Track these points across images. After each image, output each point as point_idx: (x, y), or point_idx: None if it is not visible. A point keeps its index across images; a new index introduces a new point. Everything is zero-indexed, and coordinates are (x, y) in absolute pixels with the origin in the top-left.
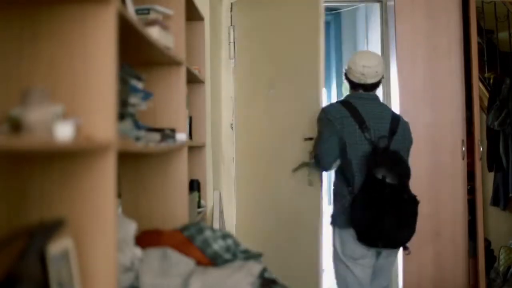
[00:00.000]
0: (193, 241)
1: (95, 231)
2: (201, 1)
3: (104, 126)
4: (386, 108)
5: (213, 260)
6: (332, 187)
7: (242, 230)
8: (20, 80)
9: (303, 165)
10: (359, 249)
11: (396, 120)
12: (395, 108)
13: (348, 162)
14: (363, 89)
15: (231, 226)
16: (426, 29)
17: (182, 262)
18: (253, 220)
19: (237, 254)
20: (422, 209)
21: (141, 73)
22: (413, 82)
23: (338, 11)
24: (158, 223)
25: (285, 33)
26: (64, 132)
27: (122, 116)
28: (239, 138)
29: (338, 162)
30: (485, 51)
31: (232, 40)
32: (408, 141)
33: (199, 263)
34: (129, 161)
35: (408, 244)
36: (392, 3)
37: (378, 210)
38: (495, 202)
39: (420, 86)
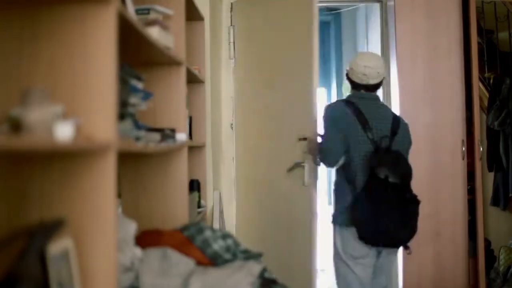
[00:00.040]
0: (193, 241)
1: (95, 231)
2: (201, 1)
3: (104, 126)
4: (387, 109)
5: (213, 260)
6: (332, 186)
7: (242, 230)
8: (20, 80)
9: (297, 165)
10: (360, 248)
11: (397, 121)
12: (395, 108)
13: (351, 161)
14: (364, 90)
15: (231, 226)
16: (426, 29)
17: (182, 262)
18: (252, 220)
19: (237, 254)
20: (422, 209)
21: (141, 73)
22: (413, 82)
23: (338, 11)
24: (158, 223)
25: (282, 33)
26: (64, 132)
27: (122, 116)
28: (239, 138)
29: (342, 160)
30: (485, 51)
31: (232, 40)
32: (408, 142)
33: (199, 263)
34: (129, 161)
35: (408, 244)
36: (392, 3)
37: (381, 209)
38: (495, 202)
39: (420, 86)
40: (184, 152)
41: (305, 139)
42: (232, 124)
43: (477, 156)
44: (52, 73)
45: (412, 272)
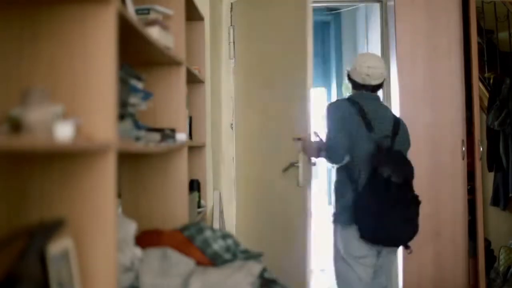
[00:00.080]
0: (193, 241)
1: (95, 231)
2: (201, 1)
3: (104, 126)
4: (387, 109)
5: (213, 260)
6: (333, 185)
7: (242, 230)
8: (20, 80)
9: (292, 165)
10: (361, 248)
11: (397, 121)
12: (395, 108)
13: (354, 160)
14: (366, 90)
15: (231, 226)
16: (426, 29)
17: (182, 262)
18: (252, 220)
19: (237, 254)
20: (422, 209)
21: (141, 73)
22: (413, 82)
23: (338, 11)
24: (158, 223)
25: (281, 33)
26: (64, 132)
27: (122, 116)
28: (239, 138)
29: (347, 158)
30: (485, 51)
31: (232, 40)
32: (408, 143)
33: (199, 263)
34: (129, 161)
35: (409, 243)
36: (392, 3)
37: (383, 209)
38: (495, 202)
39: (420, 86)
40: (184, 152)
41: (299, 139)
42: (232, 124)
43: (477, 156)
44: (52, 73)
45: (412, 272)
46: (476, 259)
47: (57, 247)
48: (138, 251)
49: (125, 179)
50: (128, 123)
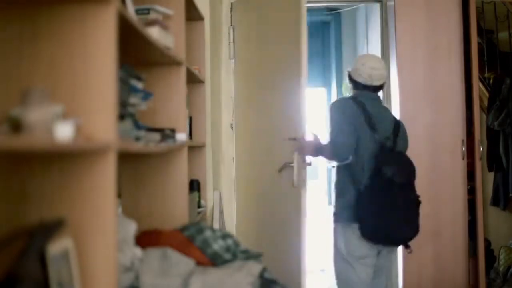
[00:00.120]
0: (193, 241)
1: (95, 231)
2: (201, 1)
3: (104, 126)
4: (388, 110)
5: (213, 260)
6: (334, 185)
7: (242, 230)
8: (20, 80)
9: (286, 165)
10: (363, 248)
11: (397, 122)
12: (395, 108)
13: (358, 159)
14: (368, 91)
15: (231, 226)
16: (426, 29)
17: (182, 262)
18: (252, 220)
19: (237, 254)
20: (422, 209)
21: (141, 73)
22: (413, 82)
23: (338, 11)
24: (158, 223)
25: (279, 33)
26: (64, 132)
27: (122, 116)
28: (239, 138)
29: (351, 157)
30: (485, 51)
31: (232, 40)
32: (407, 144)
33: (199, 263)
34: (129, 161)
35: (409, 243)
36: (392, 3)
37: (385, 208)
38: (495, 202)
39: (420, 86)
40: (184, 152)
41: (294, 139)
42: (232, 124)
43: (477, 156)
44: (52, 73)
45: (412, 272)
46: (476, 259)
47: (57, 247)
48: (138, 251)
49: (125, 179)
50: (128, 123)
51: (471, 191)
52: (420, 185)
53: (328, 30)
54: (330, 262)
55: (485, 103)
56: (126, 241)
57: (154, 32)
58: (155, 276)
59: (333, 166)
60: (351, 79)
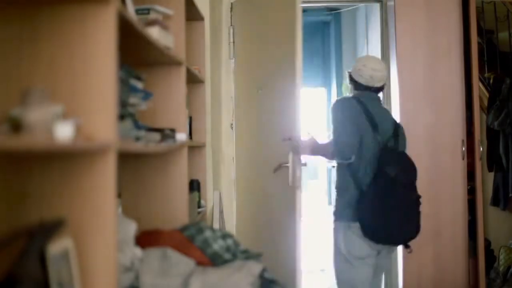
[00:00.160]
0: (193, 241)
1: (95, 231)
2: (201, 1)
3: (104, 126)
4: (388, 111)
5: (213, 260)
6: (335, 184)
7: (242, 230)
8: (20, 80)
9: (280, 165)
10: (363, 248)
11: (396, 123)
12: (395, 108)
13: (360, 158)
14: (368, 92)
15: (231, 226)
16: (426, 29)
17: (182, 262)
18: (252, 220)
19: (237, 254)
20: (422, 209)
21: (141, 73)
22: (413, 82)
23: (338, 11)
24: (158, 223)
25: (279, 33)
26: (64, 132)
27: (122, 116)
28: (239, 138)
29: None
30: (485, 51)
31: (232, 40)
32: (405, 145)
33: (199, 263)
34: (129, 161)
35: (409, 243)
36: (392, 3)
37: (389, 208)
38: (495, 202)
39: (420, 86)
40: (184, 152)
41: (290, 139)
42: (232, 124)
43: (477, 156)
44: (52, 73)
45: (412, 272)
46: (476, 259)
47: (57, 247)
48: (138, 251)
49: (125, 179)
50: (128, 123)
51: (471, 191)
52: (420, 185)
53: (328, 30)
54: (330, 262)
55: (485, 103)
56: (126, 241)
57: (154, 32)
58: (155, 276)
59: (333, 166)
60: (352, 79)
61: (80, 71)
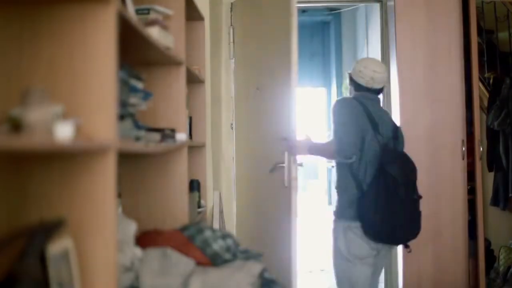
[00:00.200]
0: (193, 241)
1: (95, 231)
2: (201, 1)
3: (104, 126)
4: (387, 113)
5: (213, 260)
6: (336, 183)
7: (242, 230)
8: (20, 80)
9: (276, 166)
10: (364, 248)
11: (395, 124)
12: (395, 108)
13: (361, 158)
14: (369, 93)
15: (231, 226)
16: (426, 29)
17: (182, 262)
18: (251, 220)
19: (237, 254)
20: (422, 209)
21: (141, 73)
22: (413, 82)
23: (338, 11)
24: (158, 223)
25: (279, 33)
26: (64, 132)
27: (122, 116)
28: (239, 138)
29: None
30: (485, 51)
31: (232, 40)
32: (403, 146)
33: (199, 263)
34: (129, 161)
35: (409, 242)
36: (392, 3)
37: (390, 207)
38: (495, 202)
39: (420, 86)
40: (184, 152)
41: (285, 139)
42: (232, 124)
43: (477, 156)
44: (52, 73)
45: (412, 272)
46: (476, 259)
47: (57, 247)
48: (138, 251)
49: (125, 179)
50: (128, 123)
51: (471, 191)
52: (420, 185)
53: (328, 30)
54: (330, 262)
55: (485, 103)
56: (126, 241)
57: (154, 32)
58: (155, 276)
59: (333, 166)
60: (352, 80)
61: (80, 71)
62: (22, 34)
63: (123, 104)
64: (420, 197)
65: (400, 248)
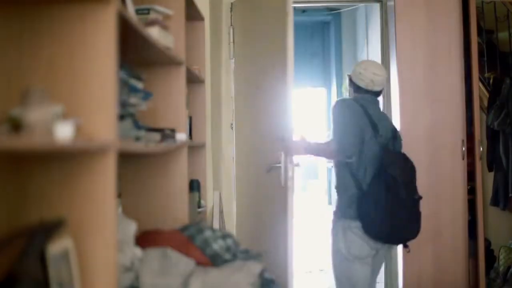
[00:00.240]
0: (193, 241)
1: (95, 231)
2: (201, 1)
3: (104, 126)
4: (386, 115)
5: (213, 260)
6: (336, 183)
7: (242, 230)
8: (20, 80)
9: (272, 166)
10: (364, 248)
11: (393, 125)
12: (395, 108)
13: (361, 158)
14: (368, 95)
15: (231, 226)
16: (426, 29)
17: (182, 262)
18: (252, 220)
19: (237, 254)
20: (422, 209)
21: (141, 73)
22: (413, 82)
23: (338, 11)
24: (158, 223)
25: (278, 33)
26: (64, 132)
27: (122, 116)
28: (239, 138)
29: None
30: (485, 51)
31: (232, 40)
32: (401, 148)
33: (199, 263)
34: (129, 161)
35: (408, 242)
36: (392, 3)
37: (390, 207)
38: (495, 202)
39: (420, 86)
40: (184, 152)
41: (281, 139)
42: (232, 124)
43: (477, 156)
44: (52, 73)
45: (412, 272)
46: (476, 259)
47: (57, 247)
48: (138, 251)
49: (125, 179)
50: (128, 123)
51: (471, 191)
52: (420, 185)
53: (328, 30)
54: (330, 262)
55: (485, 103)
56: (126, 241)
57: (154, 32)
58: (155, 276)
59: (332, 166)
60: (352, 82)
61: (80, 71)
62: (22, 34)
63: (123, 104)
64: (420, 197)
65: (400, 248)
